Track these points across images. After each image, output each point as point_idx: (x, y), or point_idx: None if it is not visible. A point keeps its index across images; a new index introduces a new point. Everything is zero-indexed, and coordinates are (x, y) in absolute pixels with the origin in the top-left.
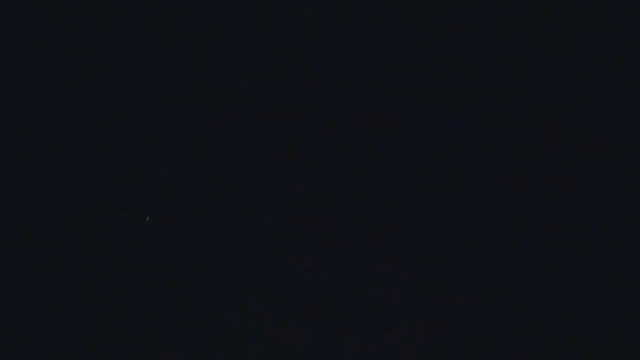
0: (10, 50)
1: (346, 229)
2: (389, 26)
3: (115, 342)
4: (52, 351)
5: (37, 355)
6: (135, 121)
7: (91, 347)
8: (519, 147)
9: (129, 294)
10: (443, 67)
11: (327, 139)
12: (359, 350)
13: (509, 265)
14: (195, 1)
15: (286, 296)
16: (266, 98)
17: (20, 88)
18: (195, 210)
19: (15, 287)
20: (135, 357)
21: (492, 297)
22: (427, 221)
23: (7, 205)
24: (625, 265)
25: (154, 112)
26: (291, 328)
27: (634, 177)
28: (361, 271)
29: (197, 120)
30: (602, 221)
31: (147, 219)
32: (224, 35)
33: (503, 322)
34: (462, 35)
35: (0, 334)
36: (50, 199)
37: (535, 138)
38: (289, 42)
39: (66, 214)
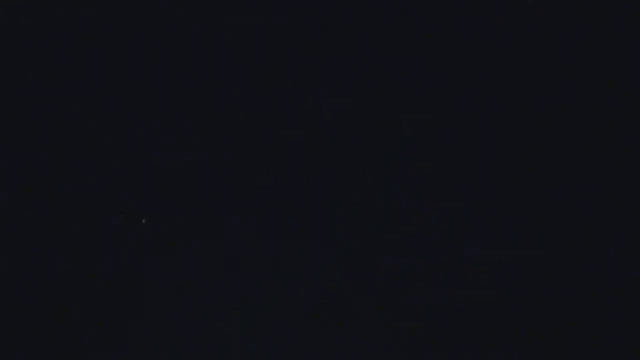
0: (10, 49)
1: (346, 229)
2: (387, 25)
3: (113, 343)
4: (52, 351)
5: (37, 355)
6: (134, 122)
7: (90, 348)
8: (519, 147)
9: (128, 295)
10: (443, 66)
11: (327, 138)
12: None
13: (508, 264)
14: (195, 1)
15: (286, 296)
16: (266, 98)
17: (19, 87)
18: (195, 210)
19: (14, 287)
20: (135, 357)
21: (492, 296)
22: (427, 221)
23: (6, 205)
24: (625, 264)
25: (154, 111)
26: (291, 330)
27: (634, 177)
28: (362, 272)
29: (197, 124)
30: (602, 220)
31: (144, 221)
32: (224, 35)
33: (500, 320)
34: (461, 35)
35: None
36: (49, 198)
37: (536, 137)
38: (289, 41)
39: (65, 214)
